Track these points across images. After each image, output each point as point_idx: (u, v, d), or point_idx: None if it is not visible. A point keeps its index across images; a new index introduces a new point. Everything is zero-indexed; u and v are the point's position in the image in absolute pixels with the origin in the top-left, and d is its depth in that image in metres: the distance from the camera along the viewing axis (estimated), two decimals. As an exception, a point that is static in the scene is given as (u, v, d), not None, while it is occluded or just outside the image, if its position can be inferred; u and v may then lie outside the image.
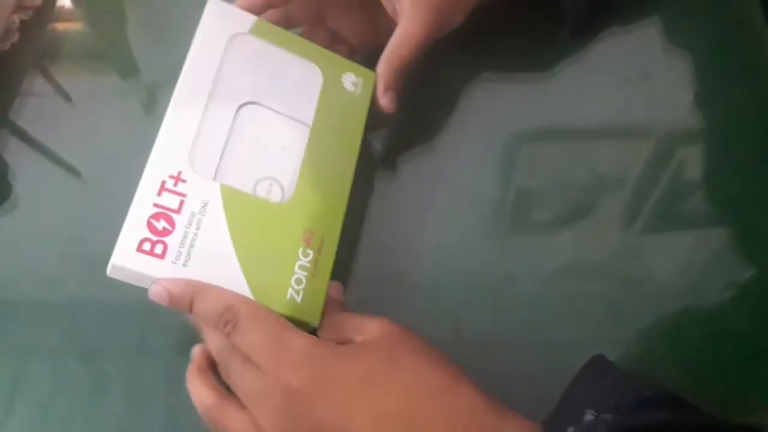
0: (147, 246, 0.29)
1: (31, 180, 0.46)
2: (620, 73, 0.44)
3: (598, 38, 0.46)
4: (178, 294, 0.29)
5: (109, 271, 0.30)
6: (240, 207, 0.31)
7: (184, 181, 0.30)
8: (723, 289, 0.37)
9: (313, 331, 0.32)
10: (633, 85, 0.44)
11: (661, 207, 0.40)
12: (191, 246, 0.30)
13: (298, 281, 0.31)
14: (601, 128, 0.43)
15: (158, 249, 0.29)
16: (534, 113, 0.44)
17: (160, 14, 0.53)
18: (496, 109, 0.44)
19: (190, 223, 0.30)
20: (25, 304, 0.41)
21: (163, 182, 0.30)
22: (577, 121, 0.43)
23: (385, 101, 0.38)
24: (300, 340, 0.29)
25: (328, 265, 0.33)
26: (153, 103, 0.47)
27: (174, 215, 0.30)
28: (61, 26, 0.54)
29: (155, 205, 0.30)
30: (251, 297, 0.30)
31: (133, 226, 0.29)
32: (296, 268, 0.31)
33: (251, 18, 0.35)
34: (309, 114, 0.35)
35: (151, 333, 0.38)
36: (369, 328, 0.30)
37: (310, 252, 0.32)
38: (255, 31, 0.35)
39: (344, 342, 0.31)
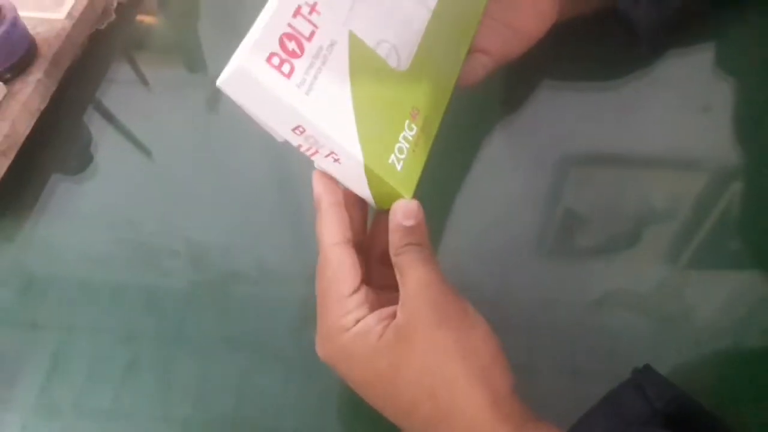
0: (276, 61, 0.28)
1: (108, 153, 0.50)
2: (680, 104, 0.43)
3: (660, 66, 0.45)
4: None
5: (226, 78, 0.28)
6: (362, 58, 0.31)
7: (318, 12, 0.30)
8: (766, 332, 0.36)
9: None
10: (692, 117, 0.43)
11: (708, 244, 0.39)
12: (314, 78, 0.29)
13: (401, 150, 0.31)
14: (655, 157, 0.43)
15: (285, 68, 0.28)
16: (588, 136, 0.43)
17: (231, 18, 0.56)
18: (550, 128, 0.44)
19: (317, 56, 0.29)
20: (71, 280, 0.43)
21: (299, 6, 0.29)
22: (631, 148, 0.43)
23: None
24: (327, 320, 0.30)
25: (427, 146, 0.33)
26: (217, 98, 0.49)
27: (304, 42, 0.29)
28: (146, 18, 0.59)
29: (289, 25, 0.29)
30: (359, 145, 0.30)
31: (267, 38, 0.28)
32: (401, 138, 0.32)
33: None
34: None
35: (188, 323, 0.40)
36: (405, 298, 0.30)
37: (414, 127, 0.32)
38: None
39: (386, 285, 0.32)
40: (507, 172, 0.43)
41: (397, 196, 0.31)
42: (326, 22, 0.30)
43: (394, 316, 0.29)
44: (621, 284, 0.38)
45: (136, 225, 0.45)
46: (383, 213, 0.33)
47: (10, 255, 0.46)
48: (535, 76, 0.46)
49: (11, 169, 0.48)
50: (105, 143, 0.50)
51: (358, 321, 0.30)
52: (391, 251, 0.31)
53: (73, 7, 0.53)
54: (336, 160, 0.30)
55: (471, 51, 0.39)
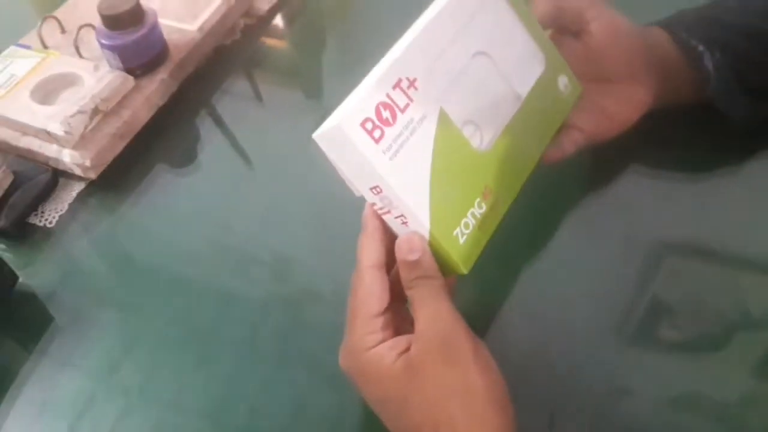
0: (369, 126, 0.30)
1: (212, 155, 0.52)
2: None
3: (760, 160, 0.44)
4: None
5: (323, 132, 0.31)
6: (447, 134, 0.33)
7: (416, 88, 0.32)
8: None
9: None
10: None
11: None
12: (400, 146, 0.31)
13: (466, 225, 0.33)
14: (758, 259, 0.41)
15: (376, 133, 0.30)
16: (688, 224, 0.42)
17: (353, 54, 0.59)
18: (637, 213, 0.43)
19: (407, 126, 0.32)
20: (156, 267, 0.45)
21: (400, 80, 0.32)
22: (733, 244, 0.41)
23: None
24: (353, 336, 0.32)
25: (492, 226, 0.34)
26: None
27: (398, 112, 0.31)
28: (270, 41, 0.62)
29: (387, 95, 0.31)
30: (428, 213, 0.32)
31: (365, 105, 0.31)
32: (469, 213, 0.33)
33: None
34: (524, 90, 0.38)
35: (260, 332, 0.41)
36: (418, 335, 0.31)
37: (484, 206, 0.34)
38: None
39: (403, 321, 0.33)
40: (590, 251, 0.42)
41: (455, 267, 0.33)
42: (421, 97, 0.32)
43: (409, 345, 0.31)
44: (701, 387, 0.36)
45: (228, 228, 0.47)
46: None
47: (108, 225, 0.48)
48: (622, 159, 0.46)
49: (125, 150, 0.51)
50: (210, 146, 0.53)
51: (378, 343, 0.31)
52: (403, 285, 0.32)
53: (205, 22, 0.57)
54: (404, 223, 0.32)
55: (564, 127, 0.40)
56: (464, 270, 0.33)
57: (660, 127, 0.43)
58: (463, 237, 0.33)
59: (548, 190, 0.44)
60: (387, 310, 0.32)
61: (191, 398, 0.39)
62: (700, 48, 0.41)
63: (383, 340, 0.32)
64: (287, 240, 0.44)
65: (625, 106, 0.42)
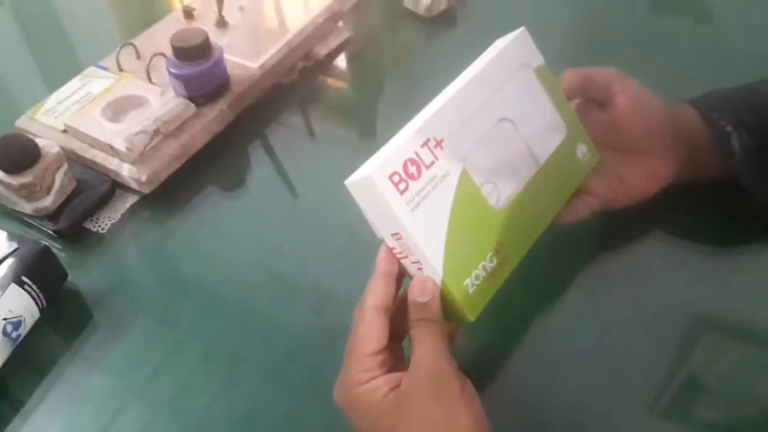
0: (396, 179, 0.33)
1: (260, 182, 0.55)
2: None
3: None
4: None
5: (355, 180, 0.34)
6: (467, 192, 0.36)
7: (441, 148, 0.35)
8: None
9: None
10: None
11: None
12: (422, 199, 0.34)
13: (477, 277, 0.35)
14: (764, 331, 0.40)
15: (402, 186, 0.33)
16: (728, 301, 0.42)
17: (409, 98, 0.61)
18: (669, 283, 0.43)
19: (430, 181, 0.34)
20: (198, 290, 0.47)
21: (428, 140, 0.35)
22: (744, 313, 0.41)
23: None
24: (348, 371, 0.34)
25: (501, 279, 0.37)
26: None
27: (423, 169, 0.34)
28: (329, 80, 0.66)
29: (415, 152, 0.34)
30: (442, 262, 0.34)
31: (394, 160, 0.34)
32: (480, 266, 0.36)
33: (540, 59, 0.41)
34: (543, 155, 0.40)
35: (294, 360, 0.42)
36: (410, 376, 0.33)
37: (495, 260, 0.36)
38: (538, 70, 0.41)
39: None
40: (629, 330, 0.41)
41: (463, 316, 0.35)
42: (446, 156, 0.35)
43: (400, 382, 0.33)
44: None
45: (272, 255, 0.49)
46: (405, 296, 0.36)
47: (156, 238, 0.51)
48: (645, 224, 0.46)
49: (179, 170, 0.54)
50: (260, 174, 0.56)
51: (370, 380, 0.33)
52: (409, 323, 0.35)
53: (266, 61, 0.61)
54: (419, 269, 0.35)
55: (580, 191, 0.42)
56: (471, 317, 0.35)
57: (685, 195, 0.44)
58: (473, 287, 0.35)
59: (567, 249, 0.45)
60: (383, 350, 0.34)
61: (218, 417, 0.40)
62: (728, 128, 0.42)
63: (375, 377, 0.33)
64: (330, 274, 0.45)
65: (643, 178, 0.43)
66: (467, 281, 0.35)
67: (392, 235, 0.34)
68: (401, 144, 0.34)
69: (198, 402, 0.40)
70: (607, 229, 0.46)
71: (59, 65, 0.67)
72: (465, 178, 0.36)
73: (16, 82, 0.68)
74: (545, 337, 0.42)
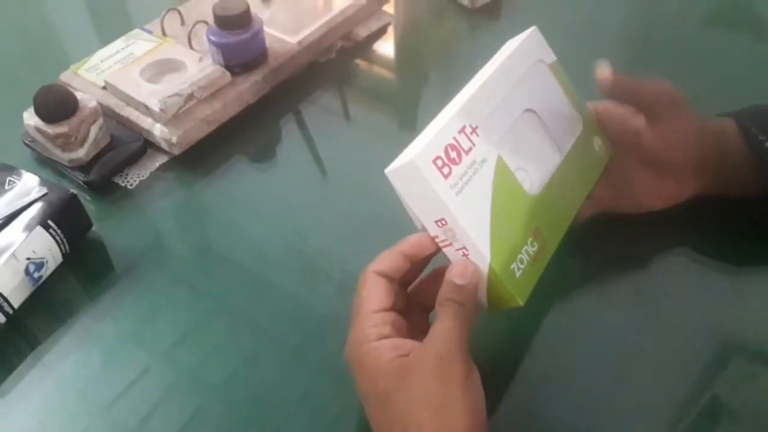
0: (439, 163, 0.34)
1: (290, 157, 0.56)
2: None
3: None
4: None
5: (396, 168, 0.34)
6: (504, 177, 0.36)
7: (477, 134, 0.36)
8: None
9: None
10: None
11: None
12: (465, 183, 0.34)
13: (521, 261, 0.36)
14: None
15: (445, 170, 0.34)
16: (754, 321, 0.41)
17: (448, 89, 0.61)
18: (698, 304, 0.42)
19: (470, 166, 0.35)
20: (216, 257, 0.48)
21: (464, 126, 0.35)
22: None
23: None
24: (356, 328, 0.34)
25: (544, 263, 0.37)
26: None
27: (463, 154, 0.35)
28: (365, 64, 0.66)
29: (454, 138, 0.35)
30: (489, 247, 0.34)
31: (436, 144, 0.34)
32: (523, 250, 0.36)
33: (553, 56, 0.43)
34: (565, 146, 0.42)
35: (316, 341, 0.42)
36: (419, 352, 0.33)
37: (536, 244, 0.37)
38: (552, 66, 0.42)
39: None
40: (651, 349, 0.41)
41: (512, 300, 0.35)
42: (482, 142, 0.36)
43: (411, 351, 0.33)
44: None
45: (297, 232, 0.49)
46: (440, 270, 0.37)
47: (181, 199, 0.52)
48: (674, 238, 0.45)
49: (209, 136, 0.55)
50: (290, 148, 0.56)
51: (380, 337, 0.34)
52: (437, 300, 0.34)
53: (305, 38, 0.61)
54: (465, 255, 0.35)
55: None
56: (521, 301, 0.35)
57: (717, 211, 0.43)
58: (519, 271, 0.35)
59: (590, 259, 0.44)
60: (389, 309, 0.35)
61: (238, 390, 0.40)
62: (767, 144, 0.42)
63: (384, 335, 0.34)
64: (358, 258, 0.43)
65: (653, 194, 0.44)
66: (513, 265, 0.35)
67: (436, 222, 0.34)
68: (440, 130, 0.34)
69: (216, 374, 0.40)
70: (633, 241, 0.46)
71: (110, 24, 0.69)
72: (501, 164, 0.36)
73: (68, 36, 0.70)
74: (563, 346, 0.41)
